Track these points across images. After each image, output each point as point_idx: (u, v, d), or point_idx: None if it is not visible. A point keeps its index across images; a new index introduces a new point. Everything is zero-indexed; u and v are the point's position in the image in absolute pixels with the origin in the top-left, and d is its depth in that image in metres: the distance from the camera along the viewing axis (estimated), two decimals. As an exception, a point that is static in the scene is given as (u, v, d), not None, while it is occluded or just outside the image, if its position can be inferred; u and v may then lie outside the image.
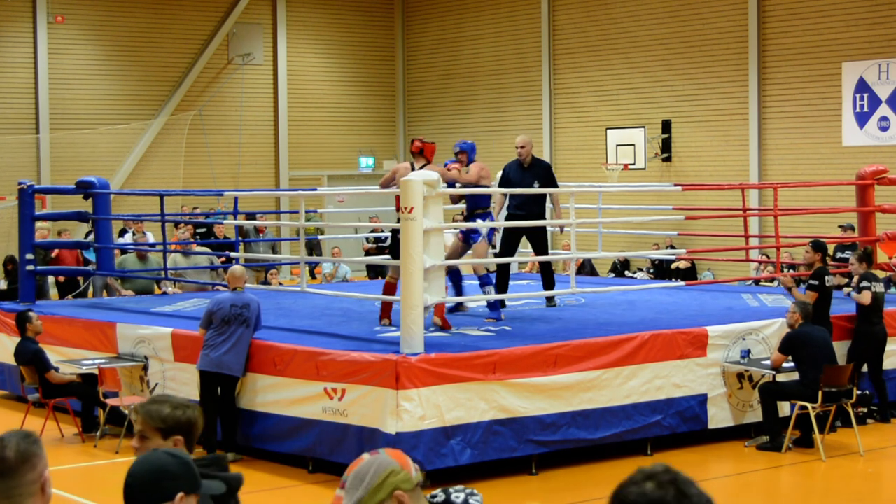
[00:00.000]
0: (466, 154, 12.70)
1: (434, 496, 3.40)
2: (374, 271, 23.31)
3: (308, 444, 10.77)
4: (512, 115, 28.32)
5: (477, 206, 12.61)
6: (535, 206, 13.42)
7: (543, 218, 13.44)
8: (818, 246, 12.97)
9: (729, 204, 21.70)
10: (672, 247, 22.19)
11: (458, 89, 29.72)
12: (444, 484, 10.60)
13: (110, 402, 12.41)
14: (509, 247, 13.55)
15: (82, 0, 27.23)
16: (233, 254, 17.66)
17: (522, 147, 13.28)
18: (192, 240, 20.11)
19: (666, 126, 25.06)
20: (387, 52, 31.21)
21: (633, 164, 25.51)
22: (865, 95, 21.97)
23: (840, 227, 18.42)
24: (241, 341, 11.36)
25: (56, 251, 18.82)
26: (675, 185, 18.43)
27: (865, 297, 12.65)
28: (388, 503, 3.19)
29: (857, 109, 22.09)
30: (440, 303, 11.61)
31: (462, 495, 3.42)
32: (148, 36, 28.03)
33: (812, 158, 22.82)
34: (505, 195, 13.80)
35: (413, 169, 11.94)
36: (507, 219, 13.54)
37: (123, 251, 18.31)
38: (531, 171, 13.39)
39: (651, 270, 23.45)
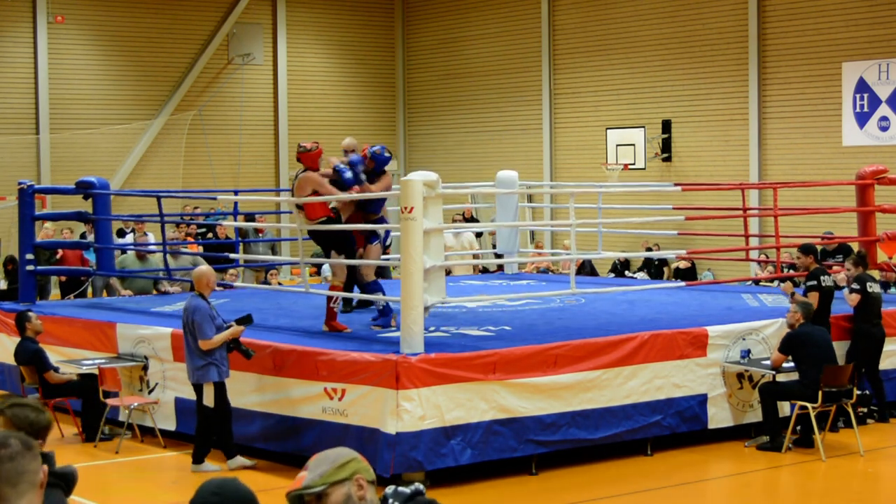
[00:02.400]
0: (375, 162, 12.48)
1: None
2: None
3: (308, 444, 10.74)
4: (512, 115, 28.32)
5: (370, 212, 12.51)
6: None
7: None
8: (807, 249, 13.01)
9: (729, 204, 21.68)
10: (657, 246, 22.18)
11: (458, 89, 29.71)
12: (445, 484, 10.57)
13: (110, 401, 12.41)
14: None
15: (82, 0, 27.23)
16: (232, 255, 17.67)
17: (352, 151, 13.01)
18: (182, 240, 20.10)
19: (666, 126, 25.05)
20: (387, 52, 31.20)
21: (633, 164, 25.51)
22: (865, 95, 21.97)
23: (823, 235, 18.48)
24: (189, 348, 10.96)
25: (60, 251, 18.81)
26: (675, 185, 18.40)
27: (853, 299, 12.73)
28: (350, 485, 3.28)
29: (857, 109, 22.09)
30: (331, 312, 11.77)
31: (392, 487, 3.52)
32: (148, 36, 28.02)
33: (812, 158, 22.82)
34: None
35: (295, 177, 11.93)
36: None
37: (123, 251, 18.30)
38: None
39: (651, 270, 23.45)
